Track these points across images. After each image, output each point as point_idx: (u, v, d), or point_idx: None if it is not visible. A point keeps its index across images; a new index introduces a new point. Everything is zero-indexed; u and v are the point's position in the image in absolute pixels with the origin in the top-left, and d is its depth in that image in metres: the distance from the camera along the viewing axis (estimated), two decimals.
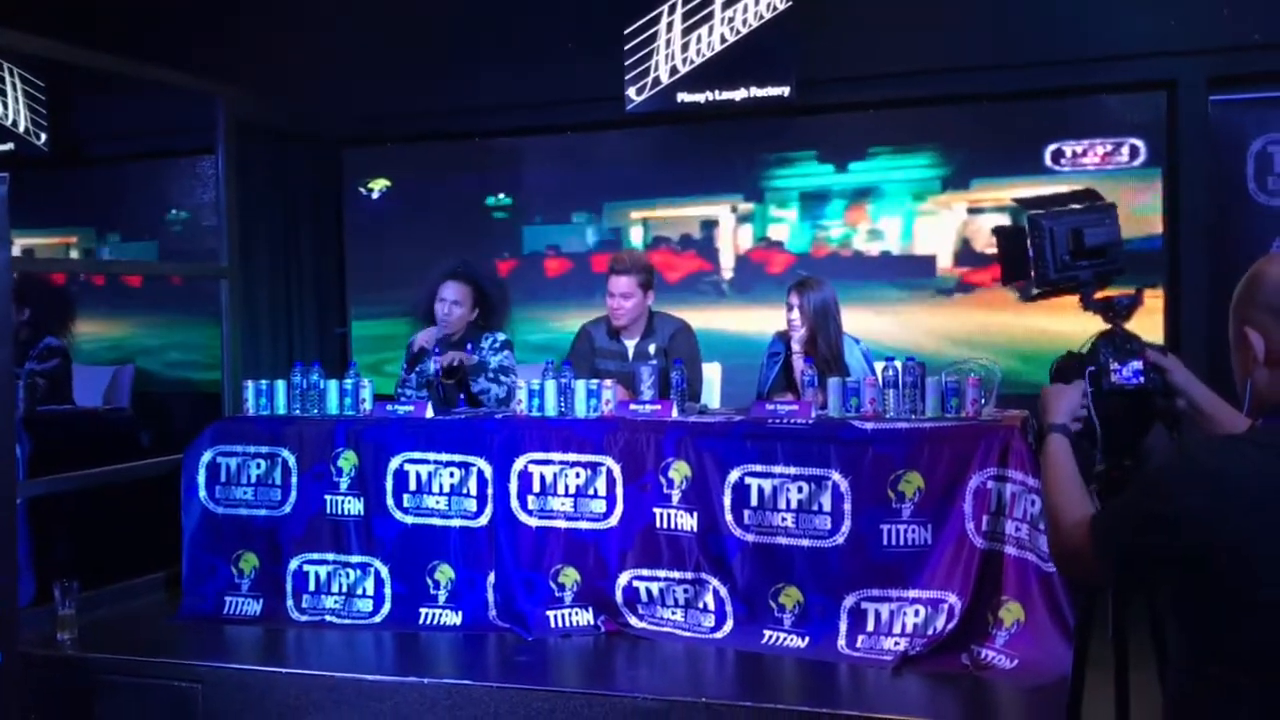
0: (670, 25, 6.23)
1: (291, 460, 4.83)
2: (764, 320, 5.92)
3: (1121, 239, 2.49)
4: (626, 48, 6.27)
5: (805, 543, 4.25)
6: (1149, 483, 1.83)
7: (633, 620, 4.47)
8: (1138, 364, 2.32)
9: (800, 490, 4.26)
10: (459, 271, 5.24)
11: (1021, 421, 4.24)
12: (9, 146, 7.27)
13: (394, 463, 4.71)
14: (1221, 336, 1.95)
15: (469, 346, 5.19)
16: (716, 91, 6.19)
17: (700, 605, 4.39)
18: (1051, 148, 5.93)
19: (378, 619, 4.70)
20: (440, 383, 5.09)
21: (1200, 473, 1.76)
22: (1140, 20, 5.71)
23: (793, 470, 4.27)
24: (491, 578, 4.60)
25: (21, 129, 7.34)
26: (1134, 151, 5.82)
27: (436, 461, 4.69)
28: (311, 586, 4.79)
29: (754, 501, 4.31)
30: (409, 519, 4.71)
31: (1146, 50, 5.69)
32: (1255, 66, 5.56)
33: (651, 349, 5.15)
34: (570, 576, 4.53)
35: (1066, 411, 2.29)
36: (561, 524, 4.54)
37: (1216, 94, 5.64)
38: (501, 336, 5.31)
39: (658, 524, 4.44)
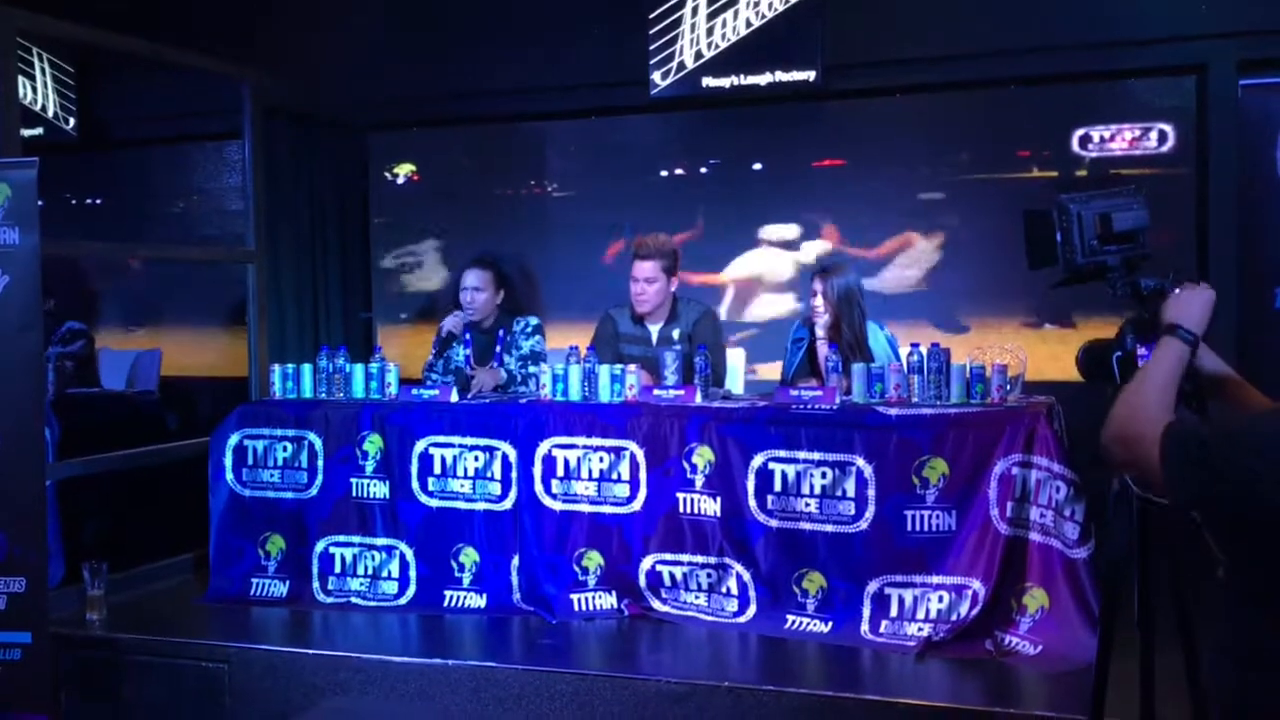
0: (695, 9, 6.21)
1: (318, 443, 4.86)
2: None
3: (1150, 224, 2.47)
4: (651, 32, 6.26)
5: (829, 528, 4.25)
6: (1228, 428, 1.80)
7: (656, 604, 4.49)
8: None
9: (824, 476, 4.25)
10: (479, 257, 5.31)
11: (1048, 408, 4.23)
12: (38, 131, 7.31)
13: (419, 446, 4.74)
14: (1250, 322, 1.93)
15: (500, 332, 5.22)
16: (742, 76, 6.16)
17: (723, 590, 4.40)
18: (1079, 133, 5.89)
19: (403, 601, 4.73)
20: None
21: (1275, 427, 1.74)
22: (1170, 4, 5.66)
23: (817, 456, 4.27)
24: (516, 561, 4.62)
25: (50, 114, 7.39)
26: (1163, 136, 5.77)
27: (461, 445, 4.71)
28: (337, 569, 4.83)
29: (778, 487, 4.31)
30: (434, 502, 4.73)
31: (1176, 34, 5.63)
32: None
33: (675, 334, 5.15)
34: (594, 560, 4.54)
35: (1201, 320, 2.14)
36: (585, 508, 4.56)
37: (1246, 78, 5.58)
38: (534, 321, 5.34)
39: (681, 509, 4.45)
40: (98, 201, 7.82)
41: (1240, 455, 1.73)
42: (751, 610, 4.35)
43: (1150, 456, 1.85)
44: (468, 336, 5.22)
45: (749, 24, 6.13)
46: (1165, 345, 2.08)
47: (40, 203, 4.20)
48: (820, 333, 4.97)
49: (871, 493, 4.19)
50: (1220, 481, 1.75)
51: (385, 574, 4.78)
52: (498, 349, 5.27)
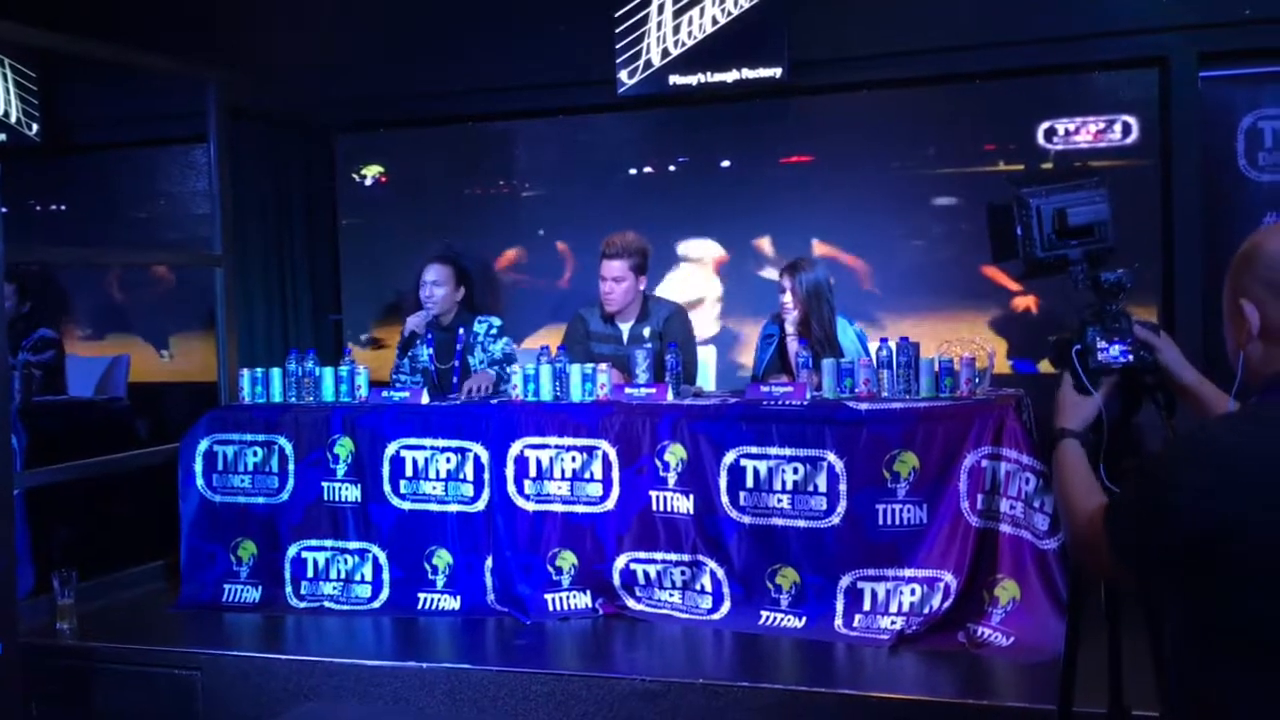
0: (661, 7, 6.21)
1: (288, 448, 4.83)
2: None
3: (1111, 217, 2.48)
4: (618, 30, 6.25)
5: (801, 523, 4.27)
6: (1150, 470, 1.80)
7: (630, 603, 4.49)
8: (1124, 343, 2.32)
9: (796, 471, 4.27)
10: (439, 253, 5.29)
11: (1016, 401, 4.25)
12: (1, 137, 7.25)
13: (390, 449, 4.72)
14: (1215, 314, 1.94)
15: (460, 331, 5.20)
16: (708, 74, 6.17)
17: (697, 587, 4.41)
18: (1044, 126, 5.93)
19: (376, 604, 4.72)
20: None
21: (1200, 451, 1.74)
22: None
23: (788, 451, 4.28)
24: (489, 562, 4.61)
25: (13, 119, 7.32)
26: (1126, 129, 5.81)
27: (433, 447, 4.69)
28: (310, 573, 4.81)
29: (750, 483, 4.32)
30: (406, 505, 4.72)
31: (1137, 27, 5.67)
32: (1245, 42, 5.54)
33: (646, 332, 5.15)
34: (568, 560, 4.54)
35: (1081, 419, 2.27)
36: (558, 508, 4.56)
37: (1206, 70, 5.63)
38: (496, 322, 5.32)
39: (654, 507, 4.45)
40: (62, 207, 7.75)
41: (1162, 494, 1.75)
42: (725, 607, 4.36)
43: (1106, 557, 1.88)
44: (429, 335, 5.20)
45: (715, 21, 6.13)
46: (1059, 451, 2.20)
47: (3, 209, 4.16)
48: (790, 329, 4.99)
49: (843, 487, 4.21)
50: (1156, 528, 1.76)
51: (358, 577, 4.76)
52: (458, 347, 5.24)
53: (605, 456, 4.50)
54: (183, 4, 6.79)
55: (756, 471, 4.32)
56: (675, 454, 4.42)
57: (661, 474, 4.44)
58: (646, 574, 4.47)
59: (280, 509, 4.84)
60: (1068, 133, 5.89)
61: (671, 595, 4.45)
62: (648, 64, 6.24)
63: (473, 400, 4.92)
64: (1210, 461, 1.72)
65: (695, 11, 6.16)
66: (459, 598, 4.64)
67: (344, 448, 4.77)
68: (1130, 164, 5.81)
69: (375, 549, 4.74)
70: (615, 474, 4.49)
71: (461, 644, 4.39)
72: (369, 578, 4.75)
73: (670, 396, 4.61)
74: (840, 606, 4.21)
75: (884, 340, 4.49)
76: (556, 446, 4.56)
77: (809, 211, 6.36)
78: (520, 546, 4.57)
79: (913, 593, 4.14)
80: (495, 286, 5.43)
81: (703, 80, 6.19)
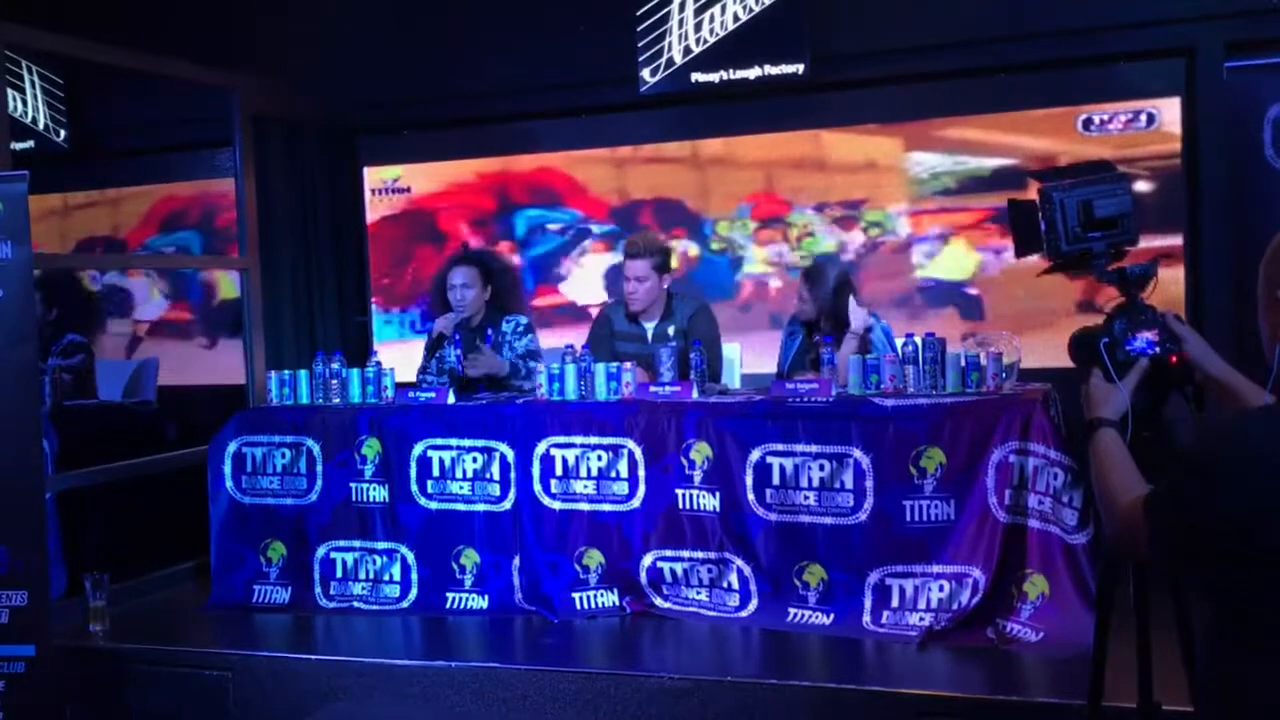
0: (683, 5, 6.21)
1: (316, 449, 4.86)
2: None
3: (1135, 210, 2.47)
4: (639, 29, 6.26)
5: (828, 520, 4.26)
6: (1188, 462, 1.79)
7: (658, 601, 4.49)
8: (1151, 334, 2.30)
9: (822, 468, 4.26)
10: (464, 255, 5.33)
11: (1043, 395, 4.23)
12: (29, 144, 7.31)
13: (417, 449, 4.74)
14: (1243, 306, 1.92)
15: (489, 331, 5.21)
16: (731, 71, 6.17)
17: (725, 585, 4.40)
18: (1069, 118, 5.89)
19: (405, 604, 4.74)
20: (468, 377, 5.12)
21: (1237, 445, 1.73)
22: None
23: (814, 448, 4.27)
24: (516, 561, 4.63)
25: (41, 126, 7.39)
26: (1152, 119, 5.77)
27: (459, 447, 4.71)
28: (339, 573, 4.83)
29: (776, 480, 4.31)
30: (433, 505, 4.74)
31: (1163, 17, 5.62)
32: (1272, 31, 5.48)
33: (671, 330, 5.15)
34: (595, 558, 4.55)
35: (1115, 409, 2.26)
36: (585, 506, 4.56)
37: (1233, 60, 5.58)
38: (524, 320, 5.33)
39: (680, 505, 4.45)
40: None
41: (1209, 490, 1.74)
42: (753, 604, 4.36)
43: (1145, 547, 1.88)
44: (457, 336, 5.22)
45: (736, 19, 6.13)
46: (1097, 440, 2.19)
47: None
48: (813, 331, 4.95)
49: (869, 484, 4.19)
50: (1198, 520, 1.75)
51: (386, 577, 4.78)
52: (486, 347, 5.25)
53: (631, 455, 4.50)
54: (205, 10, 6.83)
55: (783, 468, 4.31)
56: (701, 452, 4.41)
57: (687, 472, 4.44)
58: (673, 572, 4.47)
59: (308, 510, 4.87)
60: (1093, 125, 5.85)
61: (699, 593, 4.45)
62: (669, 62, 6.24)
63: (478, 399, 4.93)
64: (1246, 455, 1.71)
65: (716, 9, 6.15)
66: (487, 597, 4.65)
67: (371, 448, 4.79)
68: (1157, 155, 5.76)
69: (403, 549, 4.76)
70: (641, 472, 4.49)
71: (490, 643, 4.41)
72: (397, 578, 4.77)
73: (695, 394, 4.61)
74: (868, 603, 4.20)
75: (909, 335, 4.48)
76: (582, 445, 4.57)
77: (832, 206, 6.34)
78: (547, 545, 4.58)
79: (941, 589, 4.12)
80: (519, 285, 5.44)
81: (725, 77, 6.19)
